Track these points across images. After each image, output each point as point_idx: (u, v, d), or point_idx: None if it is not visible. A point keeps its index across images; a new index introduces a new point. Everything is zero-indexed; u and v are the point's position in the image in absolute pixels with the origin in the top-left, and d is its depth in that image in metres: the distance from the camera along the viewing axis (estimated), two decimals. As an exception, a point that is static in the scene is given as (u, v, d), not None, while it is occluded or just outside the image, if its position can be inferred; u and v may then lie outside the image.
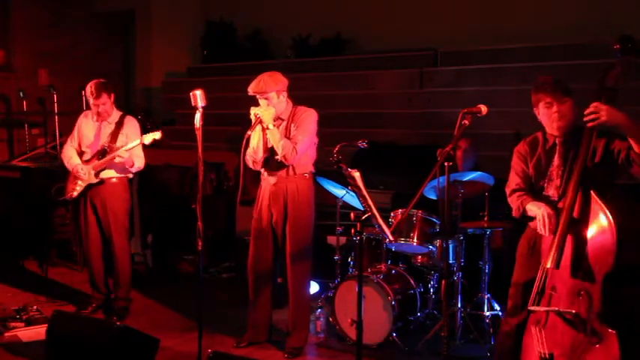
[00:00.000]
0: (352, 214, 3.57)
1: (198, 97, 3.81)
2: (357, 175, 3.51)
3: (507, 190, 3.58)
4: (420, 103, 7.67)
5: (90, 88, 5.07)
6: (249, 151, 4.44)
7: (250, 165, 4.48)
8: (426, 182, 3.47)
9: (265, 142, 4.37)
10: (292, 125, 4.36)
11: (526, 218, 3.48)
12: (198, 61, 10.27)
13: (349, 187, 4.32)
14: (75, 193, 5.15)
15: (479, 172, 4.64)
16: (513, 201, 3.52)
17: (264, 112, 4.23)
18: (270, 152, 4.38)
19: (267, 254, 4.54)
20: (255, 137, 4.40)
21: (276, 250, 4.56)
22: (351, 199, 4.96)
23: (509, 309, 3.59)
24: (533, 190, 3.49)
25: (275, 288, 4.68)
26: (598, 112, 3.10)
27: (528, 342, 3.33)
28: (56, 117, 7.75)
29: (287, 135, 4.34)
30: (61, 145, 7.58)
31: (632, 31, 3.32)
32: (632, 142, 3.10)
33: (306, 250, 4.48)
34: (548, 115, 3.39)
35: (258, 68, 7.80)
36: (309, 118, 4.38)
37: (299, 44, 9.28)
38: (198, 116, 3.80)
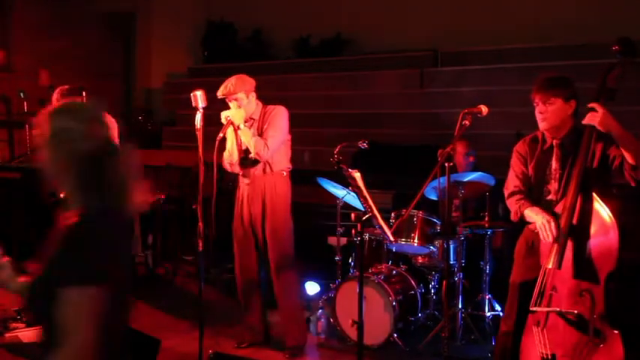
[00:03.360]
0: (353, 215, 3.56)
1: (198, 97, 3.81)
2: (357, 175, 3.50)
3: (506, 192, 3.53)
4: (420, 103, 7.67)
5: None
6: (225, 154, 4.48)
7: (228, 168, 4.53)
8: (427, 183, 3.47)
9: (239, 144, 4.39)
10: (264, 124, 4.38)
11: (525, 222, 3.44)
12: (199, 61, 10.28)
13: (350, 188, 4.31)
14: None
15: (479, 173, 4.64)
16: (512, 204, 3.46)
17: (234, 113, 4.27)
18: (245, 153, 4.41)
19: (251, 257, 4.54)
20: (229, 141, 4.45)
21: (259, 252, 4.54)
22: (352, 199, 4.95)
23: (506, 309, 3.57)
24: (532, 191, 3.44)
25: (266, 289, 4.65)
26: (595, 113, 3.07)
27: (527, 342, 3.30)
28: (56, 117, 7.74)
29: (260, 134, 4.36)
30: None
31: (631, 31, 3.33)
32: (624, 151, 3.08)
33: (289, 248, 4.46)
34: (536, 115, 3.35)
35: (258, 69, 7.87)
36: (279, 114, 4.41)
37: (299, 44, 9.29)
38: (198, 117, 3.80)
